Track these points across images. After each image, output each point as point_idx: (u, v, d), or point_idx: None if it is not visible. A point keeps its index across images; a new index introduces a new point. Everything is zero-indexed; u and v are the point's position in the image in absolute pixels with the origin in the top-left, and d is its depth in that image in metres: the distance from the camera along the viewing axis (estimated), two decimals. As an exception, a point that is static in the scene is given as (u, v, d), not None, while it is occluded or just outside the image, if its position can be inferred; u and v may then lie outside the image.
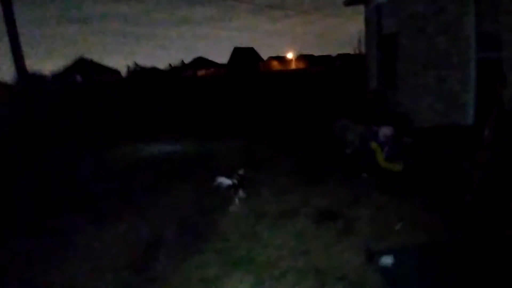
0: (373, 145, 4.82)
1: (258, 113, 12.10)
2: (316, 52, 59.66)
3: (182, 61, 14.31)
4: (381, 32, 7.03)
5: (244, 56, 54.00)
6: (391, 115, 6.03)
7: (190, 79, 14.47)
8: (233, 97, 16.05)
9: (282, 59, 54.82)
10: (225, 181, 4.05)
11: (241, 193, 4.15)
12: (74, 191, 5.25)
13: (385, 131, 4.95)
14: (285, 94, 16.38)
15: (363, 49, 27.94)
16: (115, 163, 6.95)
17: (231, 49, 57.01)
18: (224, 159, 6.50)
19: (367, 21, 7.47)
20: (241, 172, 4.24)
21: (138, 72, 18.24)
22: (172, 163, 6.54)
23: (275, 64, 51.24)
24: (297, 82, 18.92)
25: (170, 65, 13.67)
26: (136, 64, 14.50)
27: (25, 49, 9.84)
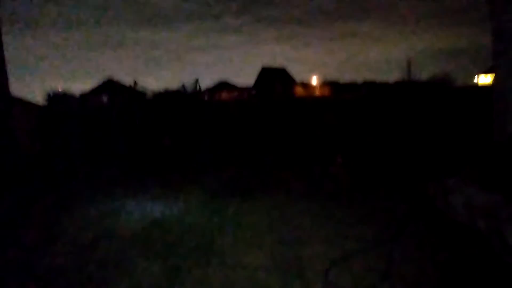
0: None
1: (292, 153, 9.02)
2: (341, 80, 56.36)
3: (197, 80, 11.62)
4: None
5: (274, 78, 47.23)
6: None
7: (206, 104, 11.66)
8: (260, 129, 13.13)
9: (306, 86, 52.22)
10: None
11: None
12: None
13: None
14: (322, 126, 13.32)
15: (416, 75, 24.07)
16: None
17: (257, 72, 52.14)
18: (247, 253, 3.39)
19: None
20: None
21: (159, 95, 15.58)
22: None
23: (300, 90, 48.57)
24: (334, 111, 15.87)
25: (183, 86, 11.03)
26: (136, 83, 11.81)
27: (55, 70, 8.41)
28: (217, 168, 7.87)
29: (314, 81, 50.65)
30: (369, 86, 51.42)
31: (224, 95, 42.51)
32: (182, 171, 7.75)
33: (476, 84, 28.04)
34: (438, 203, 4.24)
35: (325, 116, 13.32)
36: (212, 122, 10.33)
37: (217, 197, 5.68)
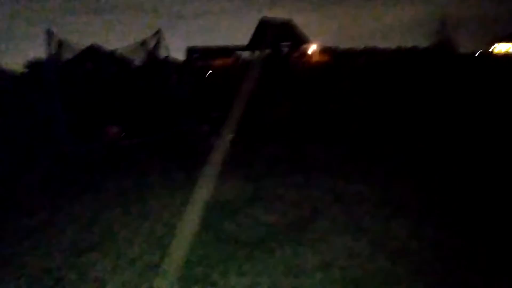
0: None
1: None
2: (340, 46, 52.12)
3: (158, 32, 7.96)
4: None
5: (277, 35, 33.92)
6: None
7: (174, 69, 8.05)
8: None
9: (301, 53, 47.85)
10: None
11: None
12: None
13: None
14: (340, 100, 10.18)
15: (451, 38, 20.19)
16: None
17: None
18: None
19: None
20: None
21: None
22: None
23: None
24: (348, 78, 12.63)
25: (144, 42, 7.45)
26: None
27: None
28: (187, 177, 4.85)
29: (314, 47, 46.25)
30: (369, 54, 47.75)
31: (218, 62, 37.61)
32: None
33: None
34: None
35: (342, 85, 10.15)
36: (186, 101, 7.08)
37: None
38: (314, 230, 3.36)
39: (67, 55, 8.85)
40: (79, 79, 9.36)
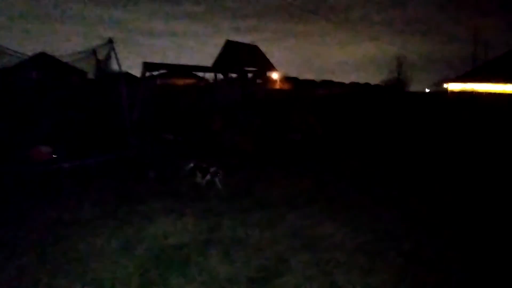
0: None
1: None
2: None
3: (110, 40, 7.14)
4: None
5: (243, 58, 33.40)
6: None
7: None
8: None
9: (265, 80, 48.85)
10: None
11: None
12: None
13: None
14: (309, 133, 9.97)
15: (405, 74, 21.53)
16: None
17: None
18: None
19: None
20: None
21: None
22: None
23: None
24: (313, 109, 12.63)
25: (94, 51, 6.44)
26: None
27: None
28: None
29: (275, 75, 47.55)
30: (327, 85, 50.55)
31: (179, 81, 36.39)
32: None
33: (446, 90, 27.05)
34: None
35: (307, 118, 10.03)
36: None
37: None
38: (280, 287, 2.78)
39: (8, 61, 7.57)
40: (16, 89, 8.04)
